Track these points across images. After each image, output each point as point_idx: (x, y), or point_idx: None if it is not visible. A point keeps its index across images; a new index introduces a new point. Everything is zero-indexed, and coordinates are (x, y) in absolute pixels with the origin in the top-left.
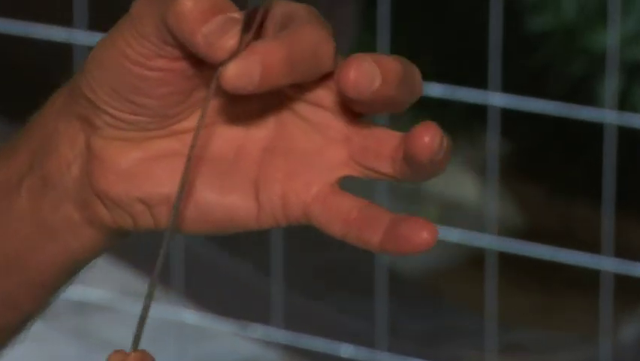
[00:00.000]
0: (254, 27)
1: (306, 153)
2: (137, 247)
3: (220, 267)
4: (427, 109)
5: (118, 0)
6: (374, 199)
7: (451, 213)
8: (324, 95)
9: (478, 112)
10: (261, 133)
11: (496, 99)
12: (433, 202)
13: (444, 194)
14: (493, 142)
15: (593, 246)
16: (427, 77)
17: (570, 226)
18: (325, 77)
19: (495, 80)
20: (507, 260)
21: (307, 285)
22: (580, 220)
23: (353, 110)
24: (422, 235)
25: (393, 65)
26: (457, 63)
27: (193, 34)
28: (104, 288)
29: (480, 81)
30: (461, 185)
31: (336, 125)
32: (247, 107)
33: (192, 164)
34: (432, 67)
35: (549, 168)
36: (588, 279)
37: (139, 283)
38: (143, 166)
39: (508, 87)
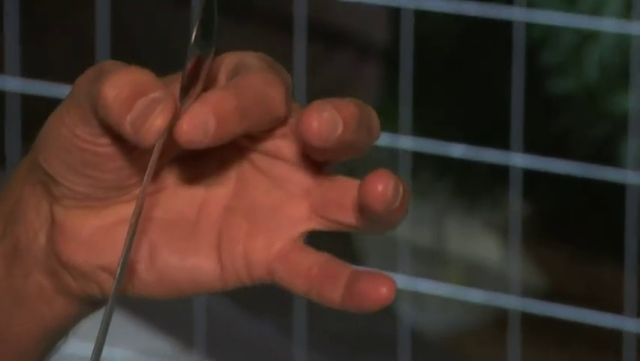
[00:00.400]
0: (201, 79)
1: (268, 210)
2: (158, 306)
3: (242, 328)
4: (450, 170)
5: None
6: (397, 261)
7: (473, 274)
8: (283, 146)
9: (501, 173)
10: (221, 191)
11: (519, 160)
12: (456, 263)
13: (466, 255)
14: (515, 203)
15: (615, 307)
16: (450, 137)
17: (593, 286)
18: (282, 128)
19: (517, 142)
20: (530, 321)
21: (330, 348)
22: (602, 281)
23: (313, 161)
24: (381, 290)
25: (352, 109)
26: (479, 124)
27: (120, 124)
28: (125, 347)
29: (502, 142)
30: (484, 246)
31: (297, 178)
32: (206, 165)
33: (139, 229)
34: (454, 128)
35: (571, 229)
36: (611, 340)
37: (159, 343)
38: (104, 234)
39: (530, 148)
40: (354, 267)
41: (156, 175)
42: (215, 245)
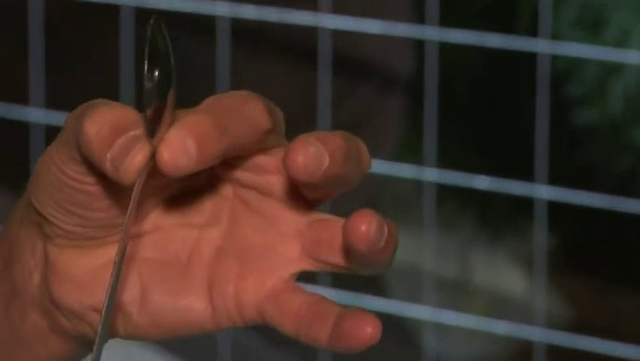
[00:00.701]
0: (167, 114)
1: (259, 250)
2: (185, 339)
3: (267, 359)
4: (474, 201)
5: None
6: (421, 292)
7: (498, 305)
8: (274, 181)
9: (525, 204)
10: (214, 232)
11: (543, 192)
12: (481, 295)
13: (491, 287)
14: (540, 235)
15: None
16: (474, 169)
17: (618, 318)
18: (274, 162)
19: (542, 173)
20: (555, 353)
21: None
22: (627, 313)
23: (305, 199)
24: (366, 330)
25: (338, 141)
26: (504, 156)
27: (101, 161)
28: None
29: (527, 174)
30: (508, 277)
31: (288, 217)
32: (199, 206)
33: (131, 270)
34: (479, 160)
35: (596, 260)
36: None
37: None
38: (95, 274)
39: (554, 180)
40: (342, 307)
41: (148, 216)
42: (206, 286)
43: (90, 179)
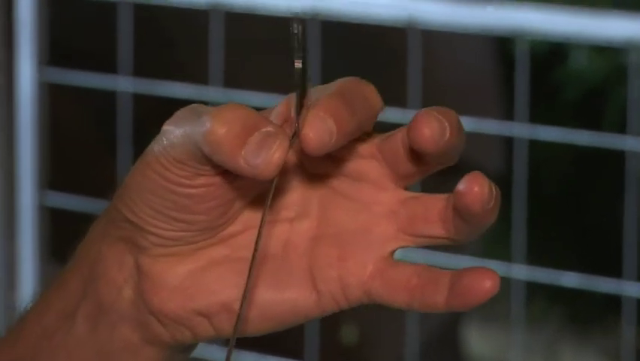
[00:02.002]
0: (305, 106)
1: (355, 234)
2: None
3: None
4: (562, 298)
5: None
6: None
7: None
8: (370, 167)
9: (614, 301)
10: (305, 224)
11: (632, 289)
12: None
13: None
14: (628, 332)
15: None
16: (563, 266)
17: None
18: (369, 148)
19: (630, 270)
20: None
21: None
22: None
23: (397, 180)
24: (485, 283)
25: (454, 115)
26: (592, 253)
27: (233, 159)
28: None
29: (615, 271)
30: None
31: (381, 198)
32: (286, 201)
33: (233, 271)
34: (567, 256)
35: None
36: None
37: None
38: (195, 278)
39: None
40: (455, 270)
41: (238, 217)
42: (308, 274)
43: (197, 181)
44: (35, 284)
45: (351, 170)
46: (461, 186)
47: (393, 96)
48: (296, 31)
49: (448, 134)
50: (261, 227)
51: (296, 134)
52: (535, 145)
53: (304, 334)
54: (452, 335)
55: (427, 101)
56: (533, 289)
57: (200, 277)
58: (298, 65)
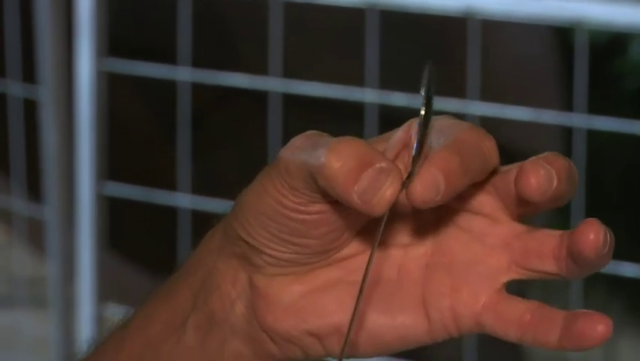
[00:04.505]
0: (425, 146)
1: (468, 264)
2: None
3: None
4: (622, 289)
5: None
6: None
7: None
8: (484, 201)
9: None
10: (419, 251)
11: None
12: None
13: None
14: None
15: None
16: (622, 256)
17: None
18: (485, 184)
19: None
20: None
21: None
22: None
23: (511, 214)
24: (598, 328)
25: (562, 162)
26: None
27: (347, 194)
28: None
29: None
30: None
31: (496, 231)
32: (402, 227)
33: (346, 295)
34: (626, 246)
35: None
36: None
37: None
38: (309, 299)
39: None
40: (568, 311)
41: (352, 240)
42: (420, 301)
43: (312, 209)
44: (93, 272)
45: (466, 202)
46: (577, 231)
47: (452, 87)
48: (425, 80)
49: (555, 183)
50: (371, 256)
51: (410, 177)
52: (593, 135)
53: None
54: None
55: (486, 92)
56: (592, 280)
57: (313, 298)
58: (421, 111)
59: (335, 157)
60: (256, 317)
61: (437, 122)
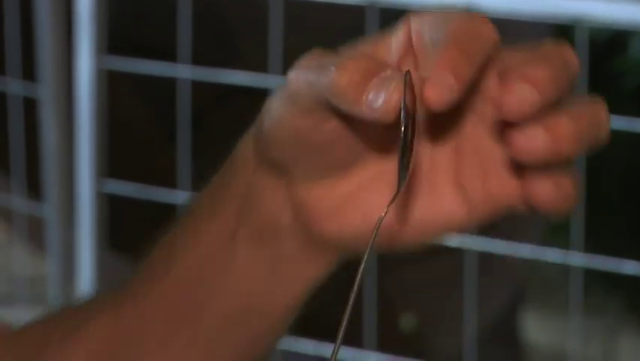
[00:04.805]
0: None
1: (490, 146)
2: None
3: None
4: (621, 287)
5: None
6: None
7: None
8: (493, 85)
9: None
10: (445, 142)
11: None
12: None
13: None
14: None
15: None
16: (622, 254)
17: None
18: (490, 67)
19: None
20: None
21: None
22: None
23: None
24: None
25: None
26: None
27: (356, 106)
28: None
29: None
30: None
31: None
32: (427, 127)
33: (385, 192)
34: (627, 244)
35: None
36: None
37: None
38: (351, 198)
39: None
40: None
41: (380, 141)
42: (456, 187)
43: (327, 127)
44: (93, 270)
45: (477, 89)
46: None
47: None
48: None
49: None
50: (365, 260)
51: (397, 195)
52: None
53: (363, 322)
54: (510, 324)
55: None
56: (592, 277)
57: (353, 198)
58: (402, 127)
59: (341, 75)
60: (302, 226)
61: (431, 17)
